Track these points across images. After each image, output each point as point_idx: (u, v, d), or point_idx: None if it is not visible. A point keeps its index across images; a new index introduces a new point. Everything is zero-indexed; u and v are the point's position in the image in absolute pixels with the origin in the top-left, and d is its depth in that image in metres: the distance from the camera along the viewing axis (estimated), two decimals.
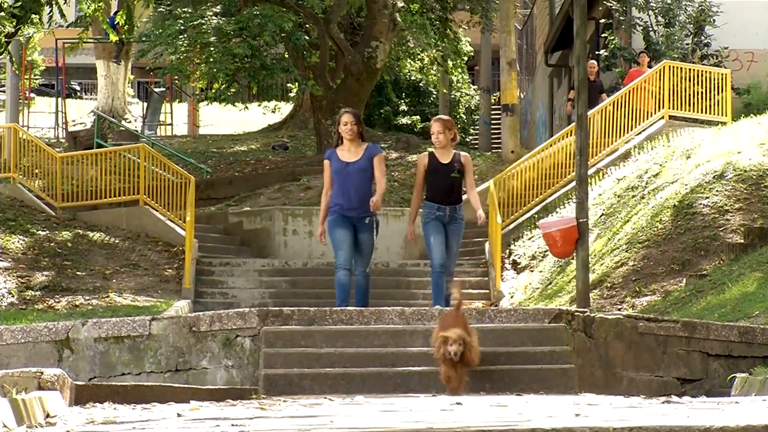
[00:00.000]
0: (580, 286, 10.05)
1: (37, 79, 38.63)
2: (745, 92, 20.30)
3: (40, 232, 17.02)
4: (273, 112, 27.54)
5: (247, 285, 16.36)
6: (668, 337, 8.14)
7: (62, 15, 16.36)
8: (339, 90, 21.57)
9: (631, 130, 18.49)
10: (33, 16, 16.38)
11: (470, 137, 32.98)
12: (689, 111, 18.62)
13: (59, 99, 31.46)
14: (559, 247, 10.42)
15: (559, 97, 28.67)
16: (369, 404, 6.13)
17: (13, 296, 14.56)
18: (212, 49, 19.86)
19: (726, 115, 18.48)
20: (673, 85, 18.61)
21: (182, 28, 20.45)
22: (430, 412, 5.31)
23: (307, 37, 21.56)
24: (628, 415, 4.79)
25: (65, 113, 30.97)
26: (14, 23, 16.12)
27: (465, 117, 33.84)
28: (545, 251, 15.51)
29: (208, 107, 30.07)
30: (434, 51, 24.23)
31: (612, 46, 21.54)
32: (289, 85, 28.16)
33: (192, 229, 16.53)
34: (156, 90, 31.26)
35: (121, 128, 27.18)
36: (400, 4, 21.34)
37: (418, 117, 32.29)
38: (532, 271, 16.23)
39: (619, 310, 11.91)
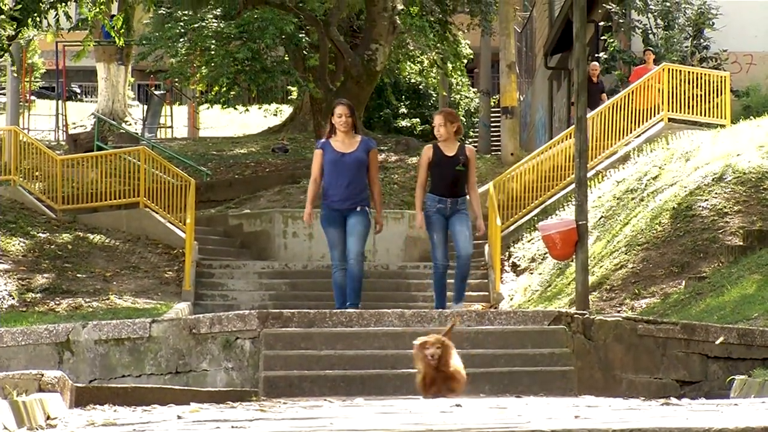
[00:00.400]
0: (579, 289, 10.00)
1: (37, 81, 38.71)
2: (744, 95, 20.35)
3: (40, 234, 17.06)
4: (275, 115, 27.55)
5: (247, 287, 16.41)
6: (667, 339, 8.19)
7: (68, 18, 16.45)
8: (339, 92, 21.57)
9: (631, 132, 18.51)
10: (35, 18, 16.45)
11: (470, 140, 33.02)
12: (688, 114, 18.63)
13: (60, 102, 31.55)
14: (559, 249, 10.36)
15: (559, 99, 28.70)
16: (369, 406, 6.15)
17: (13, 298, 14.60)
18: (212, 52, 19.89)
19: (725, 118, 18.49)
20: (673, 87, 18.64)
21: (182, 31, 20.49)
22: (429, 414, 5.32)
23: (307, 39, 21.59)
24: (628, 416, 4.81)
25: (66, 116, 31.05)
26: (14, 26, 16.19)
27: (465, 119, 33.87)
28: (545, 253, 15.52)
29: (208, 110, 30.12)
30: (434, 53, 24.27)
31: (611, 48, 21.57)
32: (289, 87, 28.19)
33: (192, 231, 16.58)
34: (156, 93, 31.32)
35: (122, 131, 27.22)
36: (400, 7, 21.38)
37: (417, 120, 32.33)
38: (531, 273, 16.27)
39: (619, 312, 11.95)
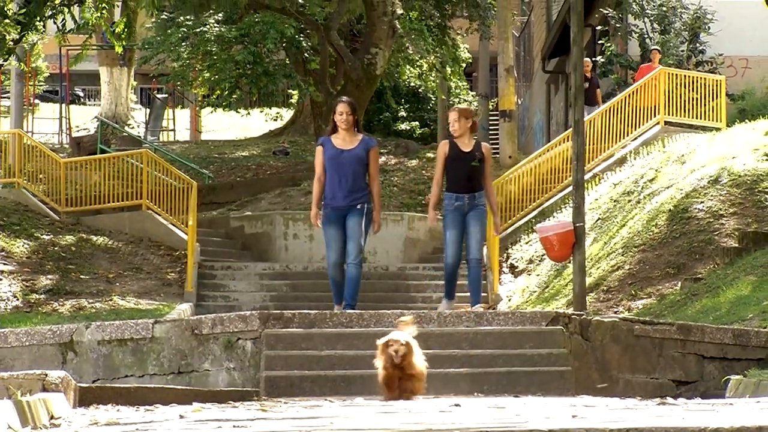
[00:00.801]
0: (576, 290, 9.92)
1: (41, 85, 38.82)
2: (739, 98, 20.41)
3: (44, 236, 17.12)
4: (275, 119, 27.67)
5: (248, 288, 16.48)
6: (663, 339, 8.15)
7: (75, 21, 16.53)
8: (339, 96, 21.67)
9: (627, 135, 18.58)
10: (40, 22, 16.53)
11: None
12: (684, 117, 18.70)
13: (63, 105, 31.59)
14: (556, 251, 10.25)
15: (556, 103, 28.79)
16: (369, 406, 6.13)
17: (17, 299, 14.65)
18: (214, 56, 19.99)
19: (721, 121, 18.55)
20: (669, 91, 18.71)
21: (185, 35, 20.58)
22: (428, 413, 5.31)
23: (308, 43, 21.68)
24: (625, 416, 4.80)
25: (69, 119, 31.10)
26: (18, 30, 16.26)
27: None
28: (542, 255, 15.56)
29: (210, 113, 30.27)
30: (433, 57, 24.37)
31: (608, 53, 21.66)
32: (290, 91, 28.30)
33: (194, 233, 16.64)
34: (158, 96, 31.45)
35: (124, 134, 27.33)
36: (400, 12, 21.48)
37: (417, 123, 32.48)
38: (529, 274, 16.32)
39: (615, 313, 11.97)
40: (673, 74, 19.02)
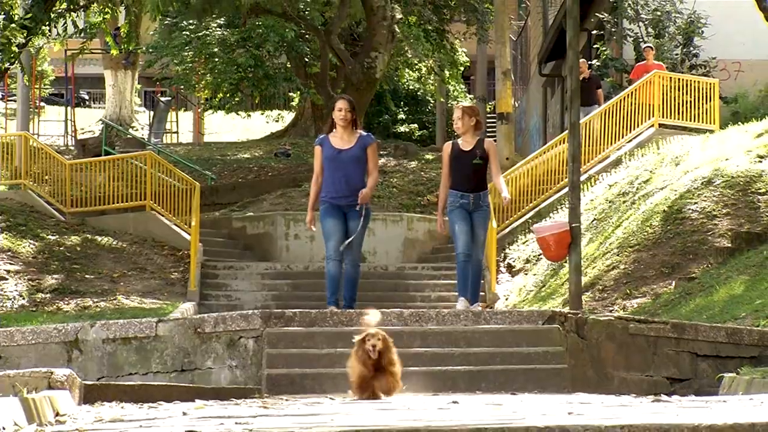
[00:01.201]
0: (572, 289, 10.03)
1: (47, 88, 38.92)
2: (732, 101, 20.43)
3: (49, 236, 17.18)
4: (276, 121, 27.79)
5: (250, 288, 16.55)
6: (658, 338, 8.19)
7: (75, 26, 16.70)
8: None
9: (623, 137, 18.66)
10: (43, 27, 16.72)
11: None
12: (679, 119, 18.78)
13: (68, 108, 31.66)
14: (553, 251, 10.40)
15: (553, 106, 28.90)
16: (368, 403, 6.14)
17: (24, 299, 14.75)
18: (217, 59, 20.14)
19: (714, 123, 18.66)
20: (663, 94, 18.81)
21: (188, 39, 20.73)
22: (427, 410, 5.32)
23: (308, 47, 21.83)
24: (620, 413, 4.82)
25: (74, 122, 31.21)
26: (25, 34, 16.44)
27: None
28: (539, 255, 15.64)
29: (213, 116, 30.42)
30: (431, 61, 24.55)
31: (604, 56, 21.76)
32: (291, 94, 28.48)
33: (197, 233, 16.70)
34: (162, 99, 31.61)
35: (129, 136, 27.44)
36: (399, 16, 21.65)
37: (416, 125, 32.69)
38: (526, 274, 16.40)
39: (611, 311, 12.03)
40: (667, 77, 19.08)
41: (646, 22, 21.32)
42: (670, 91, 18.89)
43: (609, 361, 8.25)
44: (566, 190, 12.80)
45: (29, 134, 20.87)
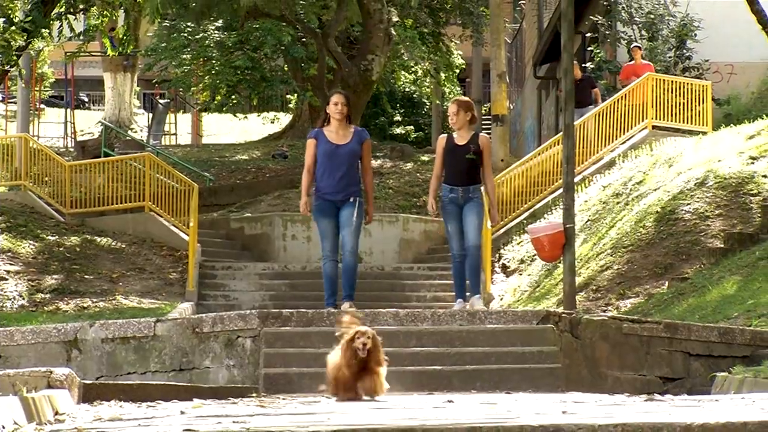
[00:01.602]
0: (566, 289, 10.05)
1: (47, 90, 39.04)
2: (725, 103, 20.51)
3: (49, 237, 17.26)
4: (272, 122, 27.88)
5: (248, 288, 16.64)
6: (651, 337, 8.24)
7: (72, 30, 16.82)
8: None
9: (616, 139, 18.77)
10: (43, 30, 16.85)
11: None
12: (672, 121, 18.86)
13: (68, 110, 31.76)
14: (547, 251, 10.42)
15: (547, 108, 29.00)
16: (364, 402, 6.16)
17: (23, 299, 14.83)
18: (214, 61, 20.22)
19: (707, 125, 18.72)
20: (656, 96, 18.89)
21: (186, 42, 20.81)
22: (423, 409, 5.34)
23: (305, 50, 21.92)
24: (613, 412, 4.84)
25: (74, 123, 31.31)
26: (25, 37, 16.56)
27: None
28: (533, 255, 15.70)
29: (211, 117, 30.52)
30: (427, 64, 24.66)
31: (598, 59, 21.88)
32: (288, 96, 28.59)
33: (195, 234, 16.79)
34: (161, 101, 31.70)
35: (128, 138, 27.47)
36: (395, 19, 21.76)
37: (412, 127, 32.83)
38: (521, 274, 16.49)
39: (604, 311, 12.13)
40: (660, 80, 19.17)
41: (640, 25, 21.41)
42: (664, 93, 18.96)
43: (603, 361, 8.30)
44: (560, 191, 12.86)
45: (29, 136, 20.93)
